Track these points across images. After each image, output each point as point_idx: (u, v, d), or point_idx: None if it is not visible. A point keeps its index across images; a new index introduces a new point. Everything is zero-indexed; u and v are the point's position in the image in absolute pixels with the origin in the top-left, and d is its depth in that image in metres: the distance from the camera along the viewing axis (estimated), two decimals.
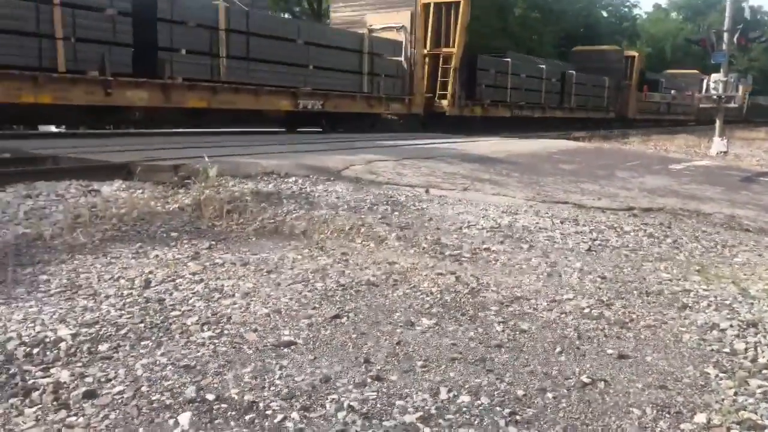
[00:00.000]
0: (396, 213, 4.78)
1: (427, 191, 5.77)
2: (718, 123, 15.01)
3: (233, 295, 2.80)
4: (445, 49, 18.19)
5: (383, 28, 15.90)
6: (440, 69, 18.15)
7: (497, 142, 12.36)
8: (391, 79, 15.55)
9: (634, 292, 3.21)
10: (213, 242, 3.71)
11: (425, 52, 17.87)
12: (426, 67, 17.94)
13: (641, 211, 5.68)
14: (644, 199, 6.37)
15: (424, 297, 2.92)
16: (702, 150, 15.08)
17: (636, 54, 32.31)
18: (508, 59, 21.49)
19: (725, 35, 14.48)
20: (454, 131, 16.03)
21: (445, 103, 18.05)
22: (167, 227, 3.98)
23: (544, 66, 23.70)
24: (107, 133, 10.80)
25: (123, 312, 2.53)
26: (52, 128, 11.17)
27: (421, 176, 6.61)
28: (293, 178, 5.67)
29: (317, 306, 2.73)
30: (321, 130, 14.17)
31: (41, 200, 4.40)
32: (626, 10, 64.17)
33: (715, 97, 14.73)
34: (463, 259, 3.67)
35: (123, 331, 2.33)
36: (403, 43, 15.95)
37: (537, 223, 4.76)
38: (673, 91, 37.53)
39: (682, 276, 3.56)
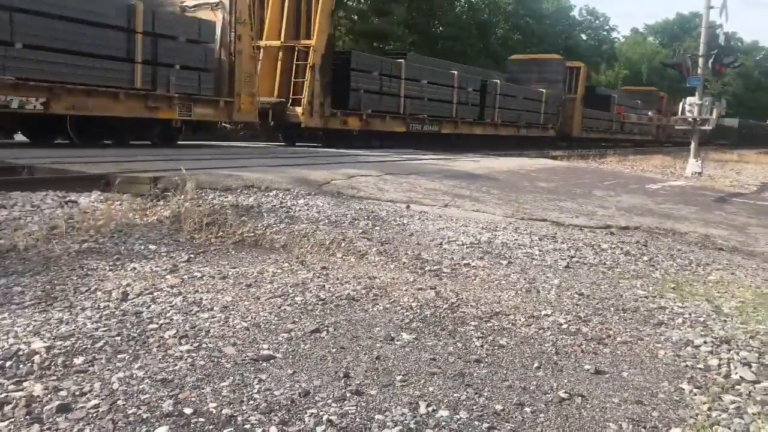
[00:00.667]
0: (377, 228, 4.79)
1: (408, 207, 5.80)
2: (693, 145, 15.32)
3: (212, 309, 2.78)
4: (303, 42, 14.02)
5: (197, 6, 11.98)
6: (294, 67, 14.06)
7: (478, 160, 12.48)
8: (195, 73, 11.25)
9: (611, 308, 3.25)
10: (192, 255, 3.68)
11: (279, 43, 14.07)
12: (279, 63, 14.15)
13: (618, 229, 5.76)
14: (621, 218, 6.47)
15: (404, 312, 2.92)
16: (677, 171, 15.37)
17: (581, 65, 28.56)
18: (401, 60, 17.36)
19: (700, 60, 14.83)
20: (328, 145, 14.23)
21: (299, 110, 13.62)
22: (145, 239, 3.94)
23: (455, 72, 19.56)
24: (86, 144, 10.67)
25: (99, 325, 2.49)
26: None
27: (403, 192, 6.64)
28: (274, 192, 5.66)
29: (297, 320, 2.72)
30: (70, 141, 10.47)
31: (16, 211, 4.34)
32: (605, 33, 65.62)
33: (690, 119, 15.04)
34: (443, 274, 3.69)
35: (99, 344, 2.30)
36: (219, 25, 11.73)
37: (516, 239, 4.80)
38: (649, 113, 37.18)
39: (658, 293, 3.62)
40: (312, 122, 13.93)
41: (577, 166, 14.06)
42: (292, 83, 13.97)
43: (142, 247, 3.78)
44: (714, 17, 14.87)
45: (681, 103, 15.59)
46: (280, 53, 14.22)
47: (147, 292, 2.94)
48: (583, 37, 62.14)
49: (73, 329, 2.42)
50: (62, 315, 2.56)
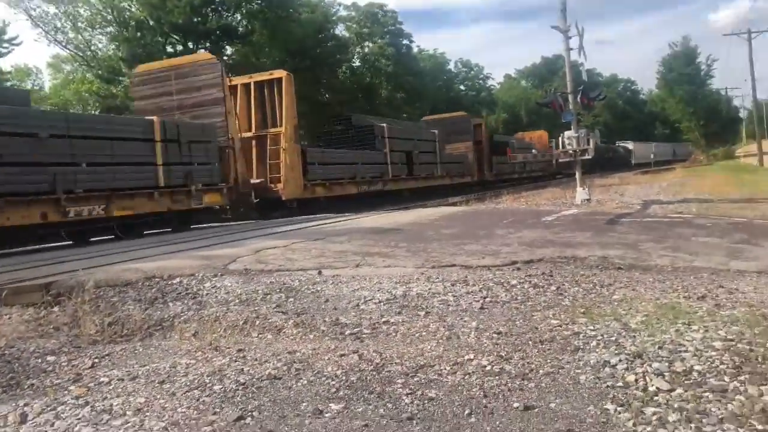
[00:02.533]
0: (291, 299, 4.69)
1: (320, 273, 5.74)
2: (577, 174, 16.38)
3: (124, 414, 2.58)
4: None
5: None
6: None
7: (382, 216, 12.65)
8: None
9: (529, 342, 3.33)
10: (96, 360, 3.43)
11: None
12: None
13: (523, 264, 5.98)
14: (524, 252, 6.72)
15: (330, 381, 2.85)
16: (568, 200, 16.30)
17: (283, 74, 16.66)
18: None
19: (570, 96, 16.07)
20: None
21: None
22: (42, 351, 3.64)
23: None
24: None
25: None
26: None
27: (312, 258, 6.58)
28: (177, 279, 5.44)
29: (218, 410, 2.58)
30: None
31: None
32: (481, 82, 69.84)
33: (570, 151, 16.15)
34: (364, 335, 3.66)
35: None
36: None
37: (430, 288, 4.86)
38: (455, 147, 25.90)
39: (570, 320, 3.76)
40: None
41: (477, 209, 14.58)
42: None
43: (39, 361, 3.48)
44: (575, 57, 16.26)
45: (560, 137, 16.78)
46: None
47: (49, 408, 2.70)
48: (462, 88, 65.77)
49: None
50: None
